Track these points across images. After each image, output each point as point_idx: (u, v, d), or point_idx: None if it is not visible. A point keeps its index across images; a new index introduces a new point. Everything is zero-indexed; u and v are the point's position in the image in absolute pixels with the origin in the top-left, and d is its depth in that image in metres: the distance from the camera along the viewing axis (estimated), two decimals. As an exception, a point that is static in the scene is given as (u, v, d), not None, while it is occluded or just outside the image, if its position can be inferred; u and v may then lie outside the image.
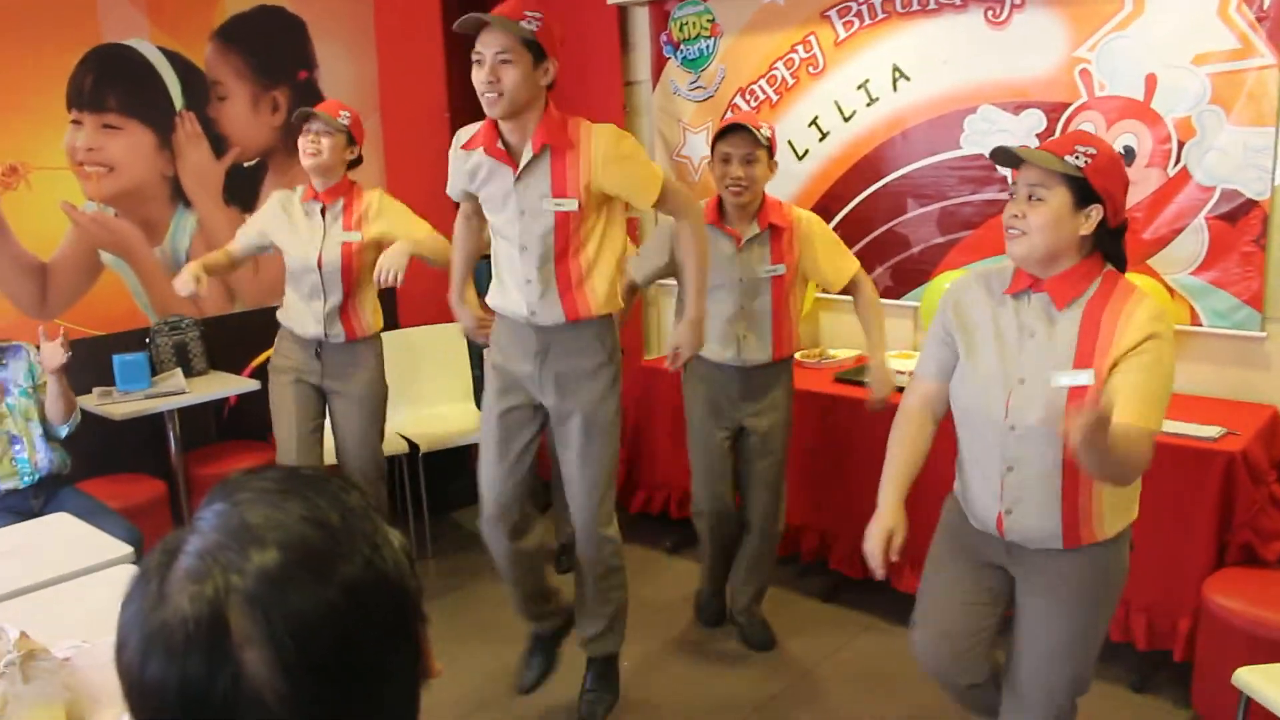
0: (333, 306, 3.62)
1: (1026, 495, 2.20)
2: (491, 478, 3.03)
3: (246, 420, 4.84)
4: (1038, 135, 3.93)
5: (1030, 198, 2.13)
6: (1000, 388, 2.20)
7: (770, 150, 3.37)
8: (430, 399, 5.04)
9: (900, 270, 4.41)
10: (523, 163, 2.78)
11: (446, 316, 3.72)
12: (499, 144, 2.82)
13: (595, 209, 2.80)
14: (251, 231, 3.75)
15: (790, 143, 4.62)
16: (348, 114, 3.57)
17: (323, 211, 3.63)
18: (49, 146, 4.35)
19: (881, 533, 2.24)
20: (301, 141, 3.56)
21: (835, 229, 4.34)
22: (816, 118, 4.52)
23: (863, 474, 3.55)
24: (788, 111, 4.61)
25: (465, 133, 2.97)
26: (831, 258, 3.47)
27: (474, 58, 2.66)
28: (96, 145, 4.51)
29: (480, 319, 3.20)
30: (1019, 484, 2.21)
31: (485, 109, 2.70)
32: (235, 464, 4.55)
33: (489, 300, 3.02)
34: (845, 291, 3.49)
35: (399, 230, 3.53)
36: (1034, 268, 2.19)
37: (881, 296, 4.18)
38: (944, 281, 4.09)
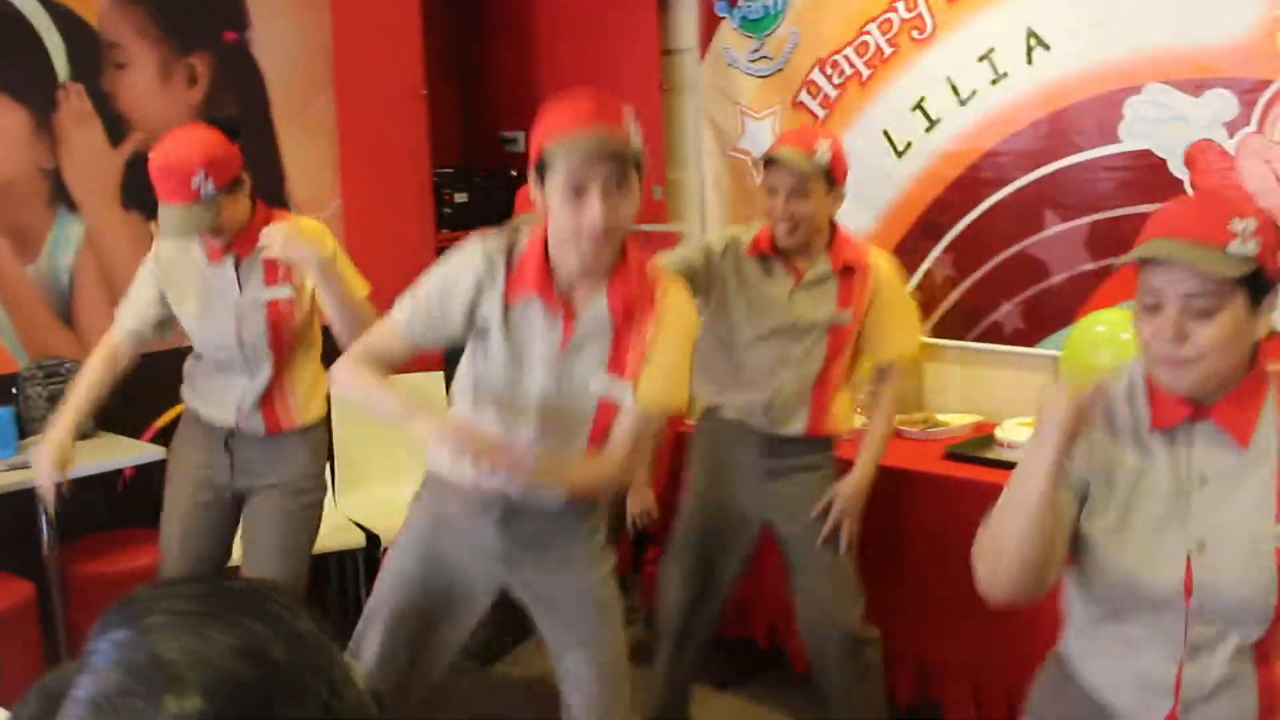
0: (260, 388, 3.68)
1: (1216, 688, 2.18)
2: None
3: (146, 500, 4.57)
4: (1225, 125, 3.95)
5: (1186, 310, 2.09)
6: (1171, 558, 2.16)
7: (831, 176, 3.55)
8: (391, 476, 5.07)
9: (1034, 307, 4.44)
10: (583, 324, 2.78)
11: (413, 366, 3.74)
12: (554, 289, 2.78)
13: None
14: (140, 303, 3.70)
15: (886, 133, 4.67)
16: (201, 174, 3.38)
17: (237, 266, 3.62)
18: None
19: None
20: None
21: (946, 252, 4.44)
22: (922, 100, 4.60)
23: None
24: (883, 91, 4.67)
25: (503, 242, 2.85)
26: (897, 322, 3.71)
27: (576, 188, 2.62)
28: None
29: None
30: (1203, 675, 2.19)
31: (584, 247, 2.67)
32: (131, 559, 4.57)
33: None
34: (878, 375, 3.76)
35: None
36: (1198, 393, 2.16)
37: (1010, 342, 4.31)
38: (1095, 324, 4.08)
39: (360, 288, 3.53)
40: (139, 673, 0.84)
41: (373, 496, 5.09)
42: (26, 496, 4.21)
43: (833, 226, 3.65)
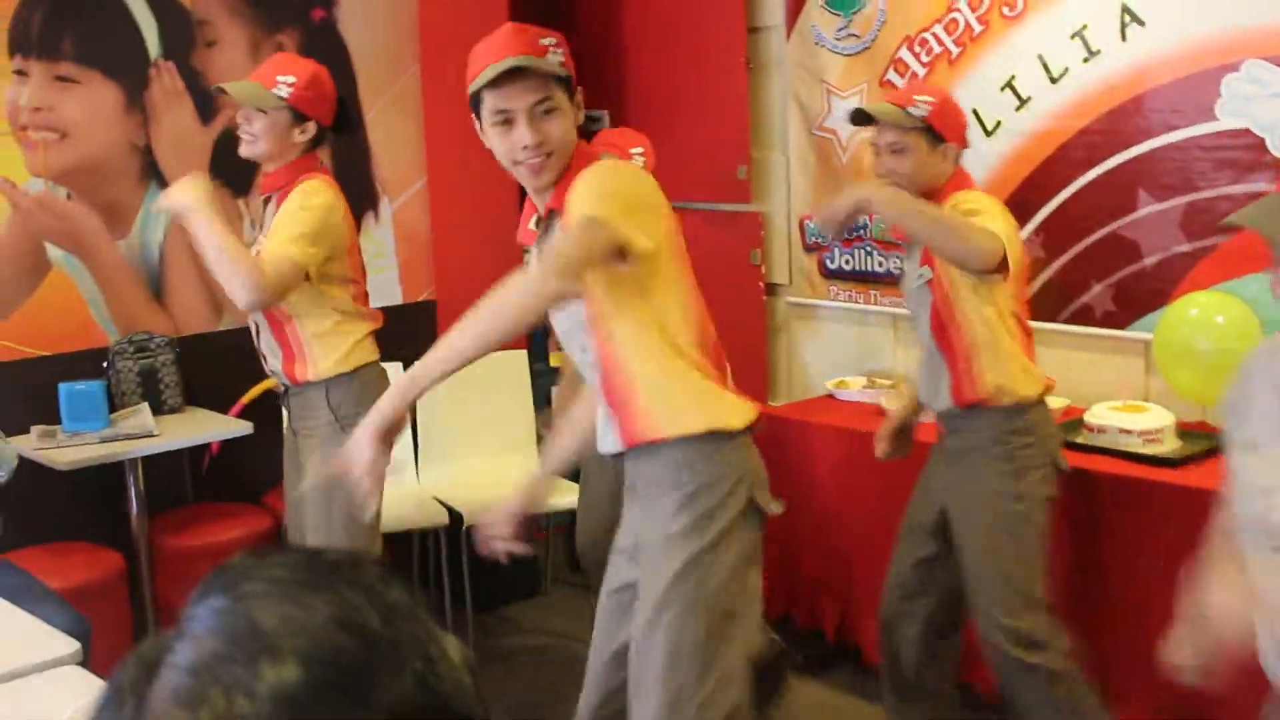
0: (268, 336, 3.70)
1: None
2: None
3: (233, 475, 4.89)
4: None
5: None
6: None
7: (935, 131, 3.46)
8: (477, 450, 5.10)
9: (1127, 289, 4.39)
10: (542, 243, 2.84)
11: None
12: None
13: (600, 293, 2.78)
14: None
15: (976, 113, 4.60)
16: (290, 79, 3.59)
17: (265, 204, 3.74)
18: (-17, 105, 4.42)
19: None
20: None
21: (1036, 232, 4.39)
22: (1012, 79, 4.55)
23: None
24: (973, 70, 4.62)
25: None
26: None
27: (496, 118, 2.71)
28: (45, 104, 4.58)
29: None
30: None
31: (528, 180, 2.77)
32: (217, 533, 4.64)
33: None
34: None
35: (271, 237, 3.57)
36: None
37: (1100, 324, 4.25)
38: (1189, 307, 4.05)
39: (272, 249, 3.48)
40: (237, 639, 0.84)
41: (456, 472, 5.06)
42: (116, 469, 4.38)
43: (942, 186, 3.46)
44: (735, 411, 2.78)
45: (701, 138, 5.41)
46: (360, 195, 5.06)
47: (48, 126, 4.60)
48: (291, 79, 3.59)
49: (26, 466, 3.96)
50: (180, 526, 4.68)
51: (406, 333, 4.43)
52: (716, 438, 2.74)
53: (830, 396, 4.86)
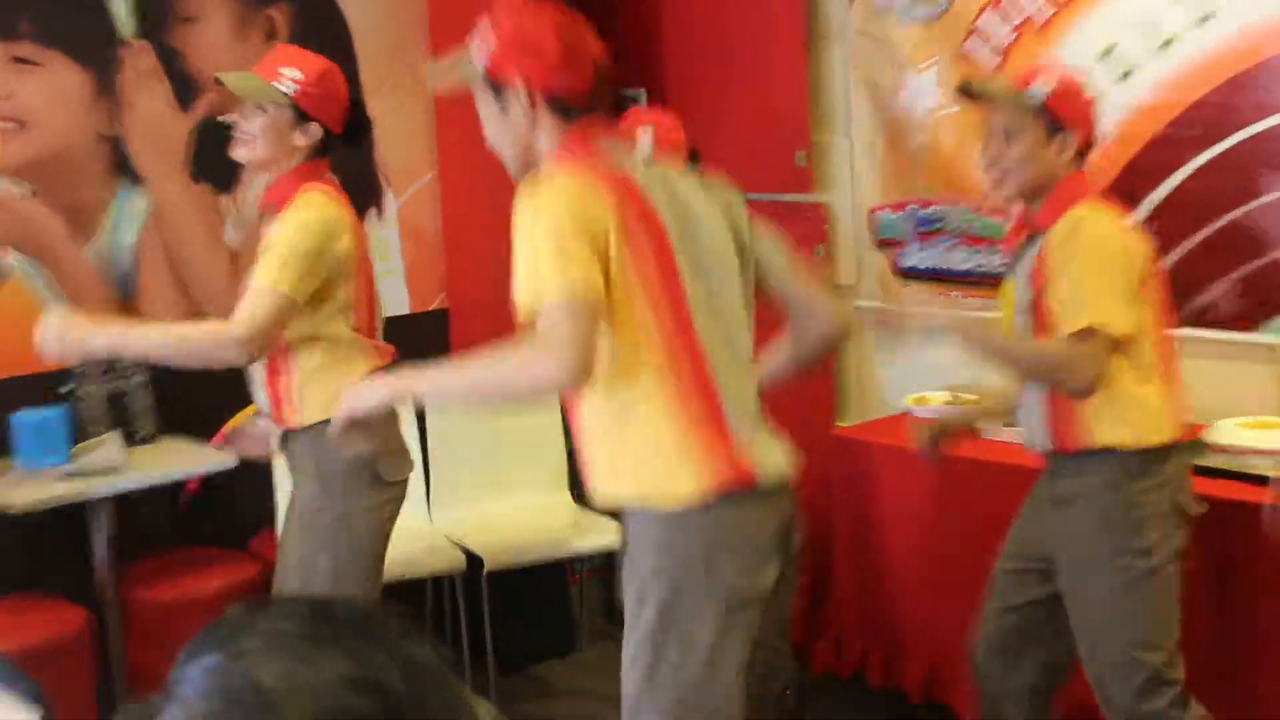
0: (258, 371, 3.69)
1: None
2: None
3: (215, 515, 4.84)
4: None
5: None
6: None
7: (1055, 118, 3.34)
8: (499, 485, 5.07)
9: (1253, 287, 4.29)
10: None
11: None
12: None
13: None
14: None
15: None
16: (296, 73, 3.58)
17: (261, 218, 3.74)
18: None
19: None
20: None
21: (1145, 222, 4.28)
22: (1113, 47, 4.44)
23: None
24: (1066, 37, 4.54)
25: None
26: (1066, 289, 3.28)
27: None
28: (2, 89, 4.53)
29: None
30: None
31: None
32: (197, 584, 4.57)
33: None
34: None
35: (259, 262, 3.54)
36: None
37: (1223, 327, 4.29)
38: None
39: (248, 302, 3.45)
40: (234, 701, 0.87)
41: (473, 512, 5.04)
42: (80, 510, 4.31)
43: (1058, 183, 3.35)
44: None
45: (754, 119, 5.36)
46: (361, 189, 4.95)
47: (4, 115, 4.53)
48: (297, 73, 3.57)
49: None
50: (154, 576, 4.58)
51: (414, 346, 4.28)
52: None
53: (908, 414, 4.74)
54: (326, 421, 3.47)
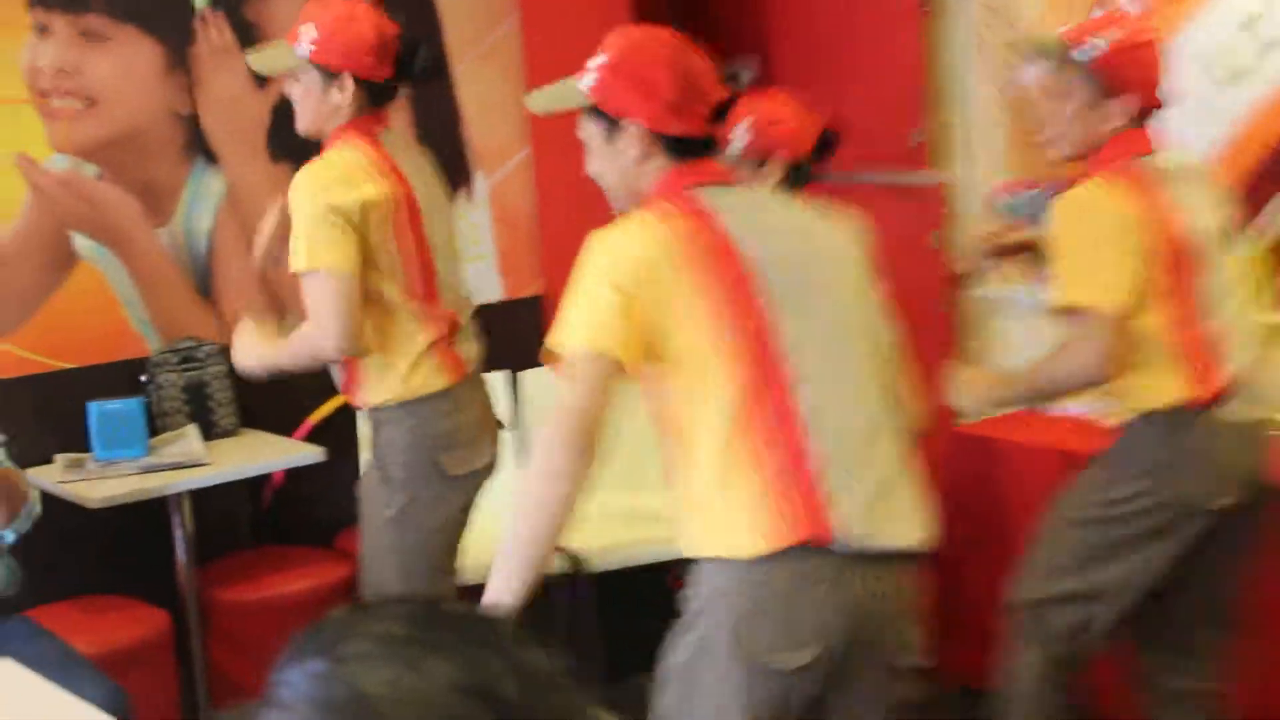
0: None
1: None
2: None
3: (301, 512, 4.84)
4: None
5: None
6: None
7: (1099, 80, 3.33)
8: (604, 483, 4.82)
9: None
10: None
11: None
12: None
13: None
14: None
15: (1210, 58, 4.42)
16: (311, 30, 3.54)
17: None
18: (-4, 66, 4.41)
19: None
20: None
21: None
22: (1257, 18, 4.31)
23: None
24: (1206, 3, 4.39)
25: None
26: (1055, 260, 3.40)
27: None
28: (71, 65, 4.49)
29: None
30: None
31: None
32: (281, 584, 4.56)
33: None
34: None
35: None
36: None
37: None
38: None
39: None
40: (338, 709, 0.86)
41: (581, 509, 4.82)
42: (159, 506, 4.32)
43: (1108, 154, 3.35)
44: None
45: (866, 94, 5.16)
46: (450, 169, 4.90)
47: (73, 92, 4.50)
48: (312, 30, 3.56)
49: (51, 504, 3.84)
50: (237, 576, 4.60)
51: (508, 335, 4.28)
52: None
53: (1036, 411, 4.61)
54: (386, 404, 3.63)
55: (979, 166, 5.08)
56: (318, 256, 3.41)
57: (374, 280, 3.54)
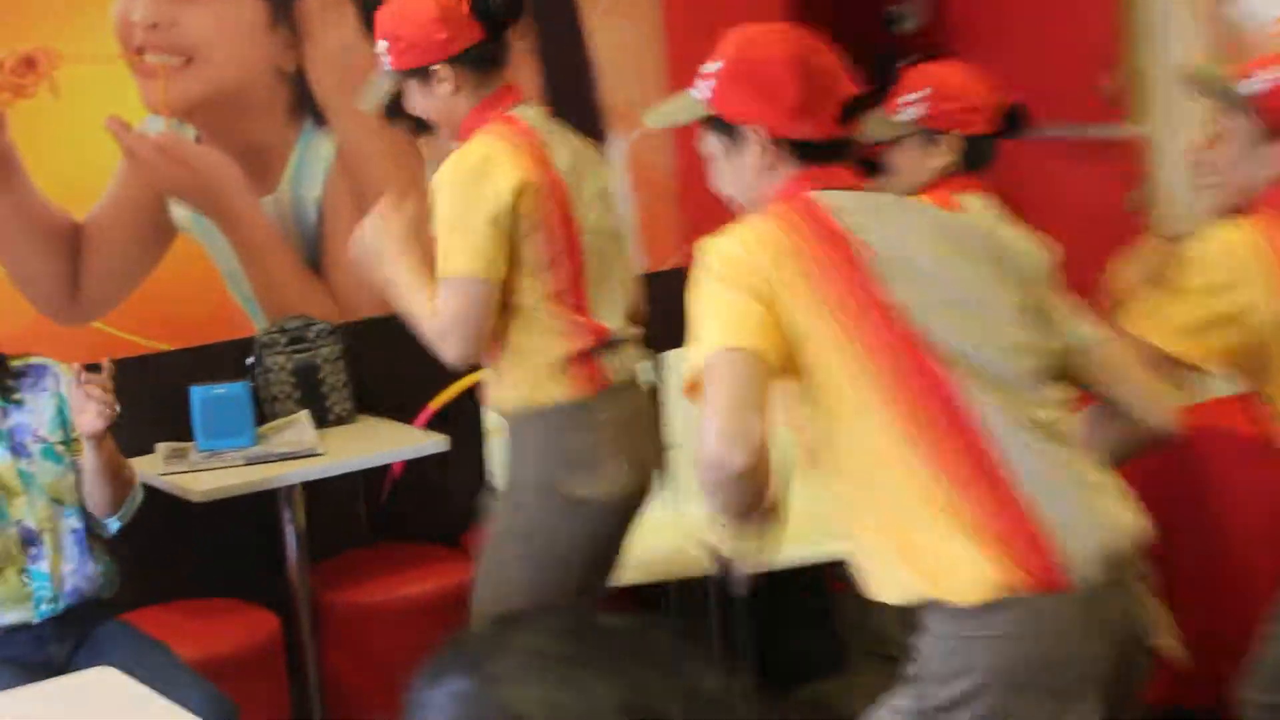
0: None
1: None
2: None
3: (423, 507, 4.85)
4: None
5: None
6: None
7: (1266, 116, 3.24)
8: None
9: None
10: None
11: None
12: None
13: None
14: None
15: None
16: (382, 44, 3.57)
17: None
18: (87, 23, 4.37)
19: None
20: None
21: None
22: None
23: None
24: None
25: None
26: None
27: None
28: (166, 18, 4.49)
29: None
30: None
31: None
32: (401, 585, 4.56)
33: None
34: None
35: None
36: None
37: None
38: None
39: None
40: None
41: None
42: (268, 500, 4.32)
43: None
44: None
45: (1050, 36, 5.18)
46: (581, 130, 4.76)
47: (169, 48, 4.48)
48: (383, 42, 3.60)
49: (151, 498, 3.87)
50: (352, 577, 4.59)
51: (653, 308, 4.21)
52: None
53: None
54: (515, 411, 3.63)
55: (1183, 116, 4.90)
56: (453, 261, 3.40)
57: (515, 279, 3.51)
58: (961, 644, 2.55)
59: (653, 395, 3.82)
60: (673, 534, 4.69)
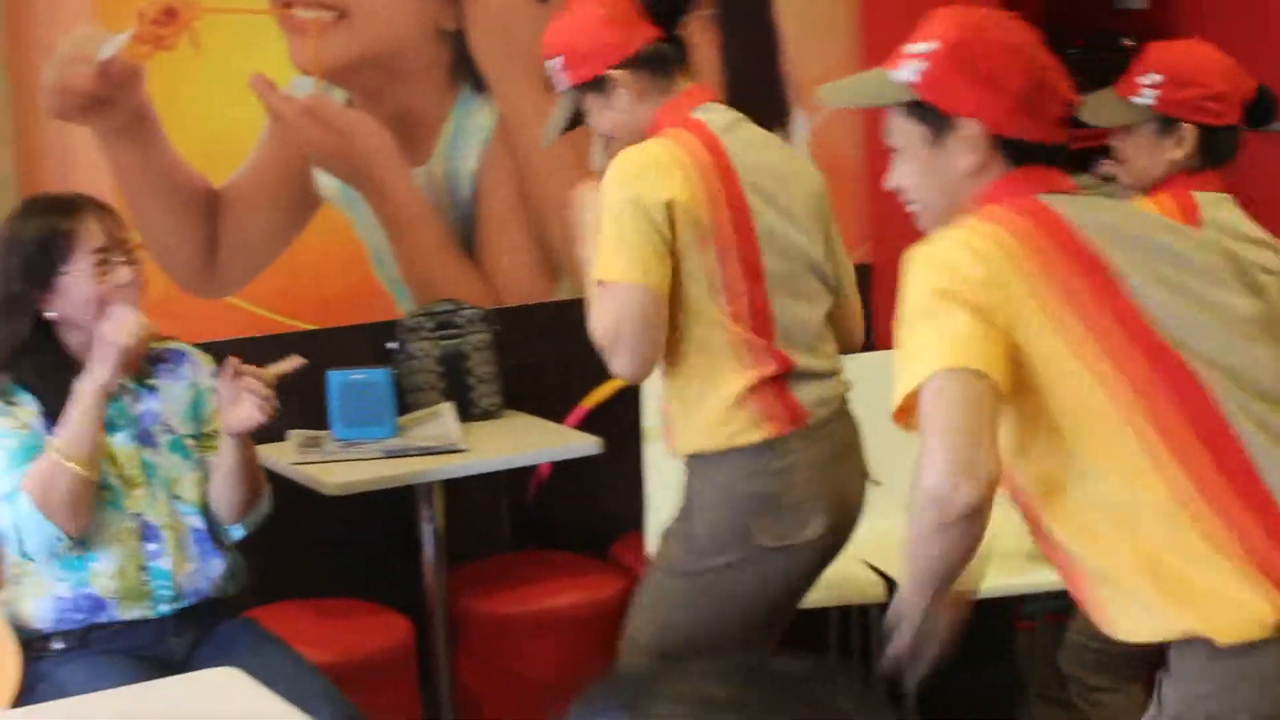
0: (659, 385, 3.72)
1: None
2: None
3: (570, 513, 4.85)
4: None
5: None
6: None
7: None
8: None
9: None
10: None
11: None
12: None
13: None
14: None
15: None
16: (555, 61, 3.57)
17: None
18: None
19: None
20: None
21: None
22: None
23: None
24: None
25: None
26: None
27: None
28: None
29: None
30: None
31: None
32: (544, 597, 4.56)
33: None
34: None
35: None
36: None
37: None
38: None
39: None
40: None
41: (896, 527, 4.61)
42: (406, 496, 4.34)
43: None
44: None
45: None
46: (762, 106, 4.72)
47: (321, 2, 4.50)
48: (556, 60, 3.60)
49: (281, 488, 3.89)
50: (492, 583, 4.58)
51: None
52: None
53: None
54: (696, 453, 3.56)
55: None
56: (614, 266, 3.37)
57: (686, 298, 3.48)
58: (1225, 686, 2.49)
59: (855, 429, 3.74)
60: (840, 556, 4.64)
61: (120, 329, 3.35)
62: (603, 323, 3.38)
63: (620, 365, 3.40)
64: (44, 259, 3.41)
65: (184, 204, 4.33)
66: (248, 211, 4.45)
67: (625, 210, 3.37)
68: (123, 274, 3.42)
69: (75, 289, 3.41)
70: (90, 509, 3.38)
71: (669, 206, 3.37)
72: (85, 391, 3.37)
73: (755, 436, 3.45)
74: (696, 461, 3.59)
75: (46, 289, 3.43)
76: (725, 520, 3.57)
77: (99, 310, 3.44)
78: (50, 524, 3.33)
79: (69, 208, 3.52)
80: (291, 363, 3.51)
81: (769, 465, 3.48)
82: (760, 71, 5.02)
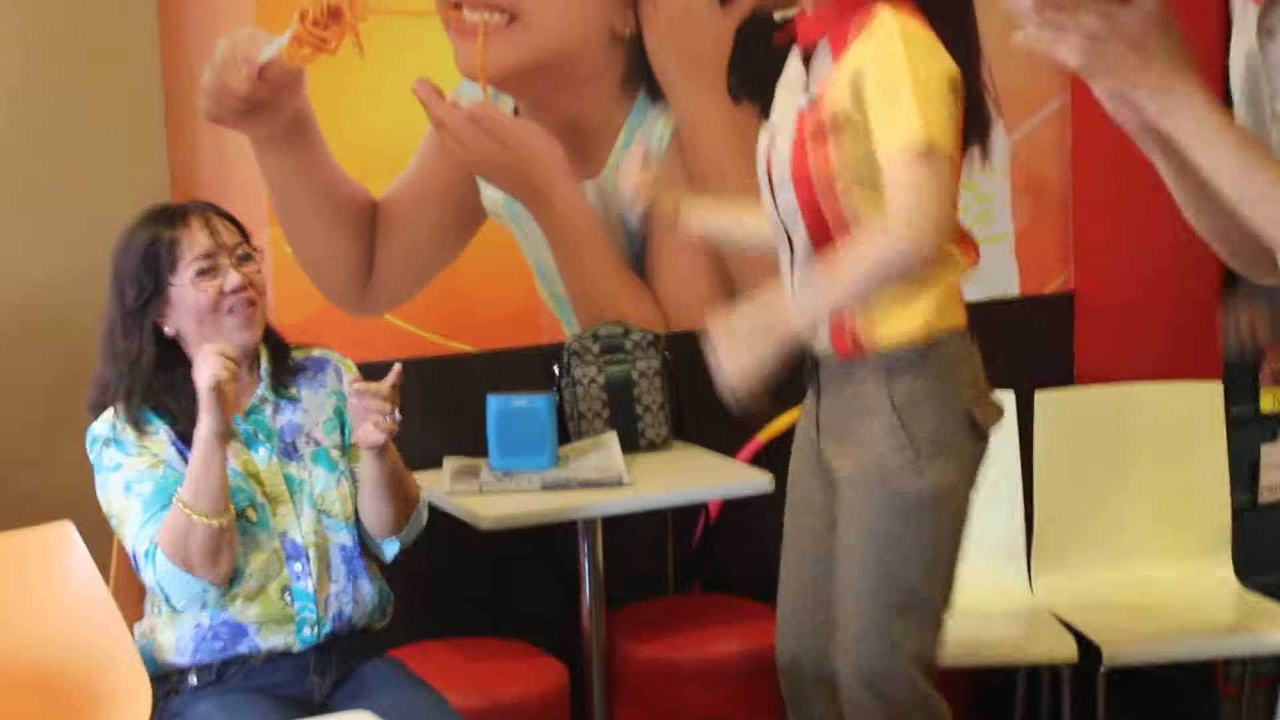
0: (800, 273, 3.62)
1: None
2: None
3: (738, 554, 4.86)
4: None
5: None
6: None
7: None
8: (1129, 556, 4.96)
9: None
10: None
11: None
12: None
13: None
14: None
15: None
16: None
17: (806, 64, 3.64)
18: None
19: None
20: None
21: None
22: None
23: None
24: None
25: None
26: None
27: None
28: None
29: None
30: None
31: None
32: (710, 643, 4.54)
33: None
34: None
35: (873, 119, 3.40)
36: None
37: None
38: None
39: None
40: None
41: (1090, 584, 4.88)
42: (565, 533, 4.38)
43: None
44: None
45: None
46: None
47: (491, 4, 4.53)
48: None
49: (433, 518, 3.90)
50: (654, 628, 4.58)
51: (1024, 342, 3.92)
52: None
53: None
54: (902, 347, 3.52)
55: None
56: (937, 128, 3.21)
57: None
58: None
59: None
60: (1027, 612, 4.72)
61: (199, 373, 3.39)
62: (916, 197, 3.21)
63: (931, 239, 3.19)
64: (150, 272, 3.46)
65: (342, 216, 4.41)
66: (408, 225, 4.51)
67: (943, 80, 3.30)
68: (232, 278, 3.44)
69: (184, 300, 3.46)
70: (231, 553, 3.44)
71: (956, 84, 3.37)
72: (198, 439, 3.43)
73: (959, 319, 3.53)
74: (904, 357, 3.54)
75: (160, 303, 3.46)
76: (953, 414, 3.60)
77: (214, 321, 3.48)
78: (192, 577, 3.40)
79: (173, 216, 3.55)
80: (395, 373, 3.48)
81: (972, 346, 3.54)
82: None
